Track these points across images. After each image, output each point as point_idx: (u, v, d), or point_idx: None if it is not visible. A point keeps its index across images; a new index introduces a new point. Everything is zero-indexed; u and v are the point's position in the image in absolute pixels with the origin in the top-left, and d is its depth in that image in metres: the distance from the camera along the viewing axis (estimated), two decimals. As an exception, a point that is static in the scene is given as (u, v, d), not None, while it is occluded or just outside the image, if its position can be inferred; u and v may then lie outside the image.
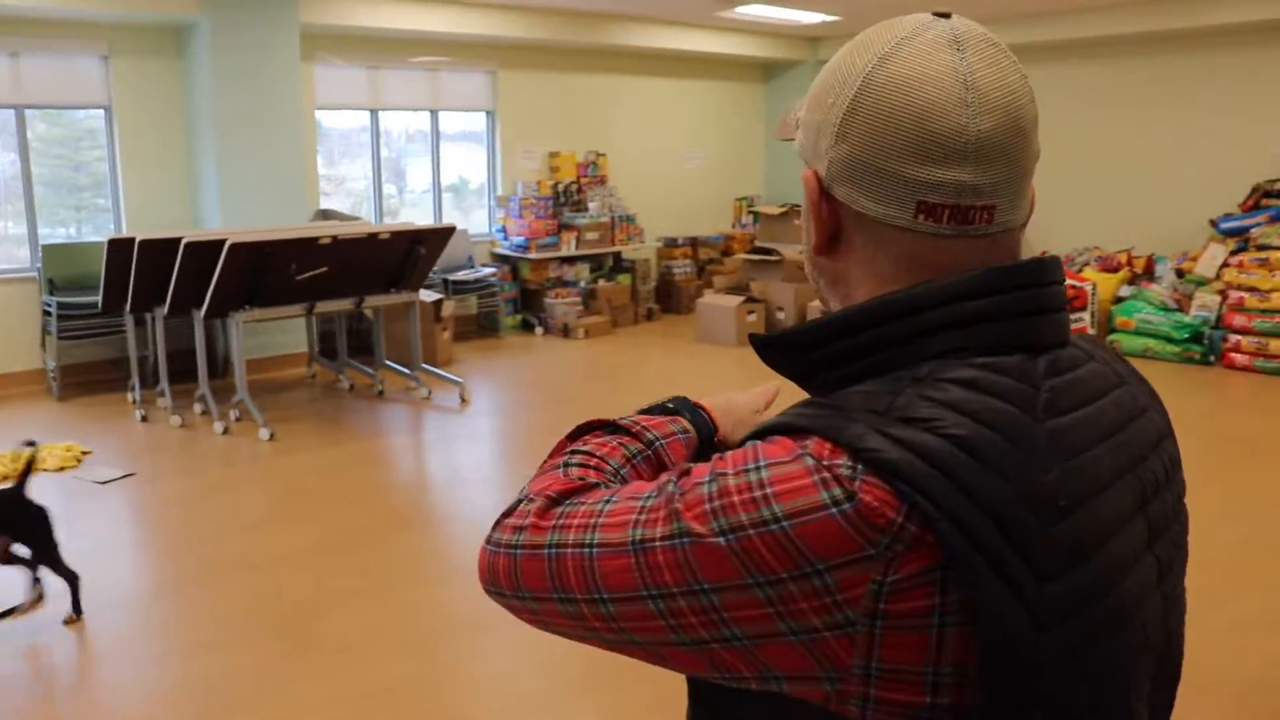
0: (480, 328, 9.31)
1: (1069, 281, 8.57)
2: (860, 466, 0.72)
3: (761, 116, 11.69)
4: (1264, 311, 7.52)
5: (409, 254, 6.67)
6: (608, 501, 0.81)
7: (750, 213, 11.32)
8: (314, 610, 3.83)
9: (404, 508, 4.94)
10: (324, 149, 8.56)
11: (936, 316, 0.80)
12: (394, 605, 3.87)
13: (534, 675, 3.38)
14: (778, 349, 0.90)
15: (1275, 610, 3.77)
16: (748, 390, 1.17)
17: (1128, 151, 9.38)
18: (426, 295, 7.83)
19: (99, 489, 5.18)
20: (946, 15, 0.83)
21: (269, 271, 6.01)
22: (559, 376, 7.72)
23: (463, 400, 6.85)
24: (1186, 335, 7.84)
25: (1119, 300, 8.44)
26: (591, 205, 9.70)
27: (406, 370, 7.05)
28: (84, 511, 4.86)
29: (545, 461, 0.95)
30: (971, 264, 0.81)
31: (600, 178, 9.95)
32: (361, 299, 6.65)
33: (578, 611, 0.80)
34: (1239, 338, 7.62)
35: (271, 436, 5.98)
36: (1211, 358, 7.80)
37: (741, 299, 8.89)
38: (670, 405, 1.07)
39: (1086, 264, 9.12)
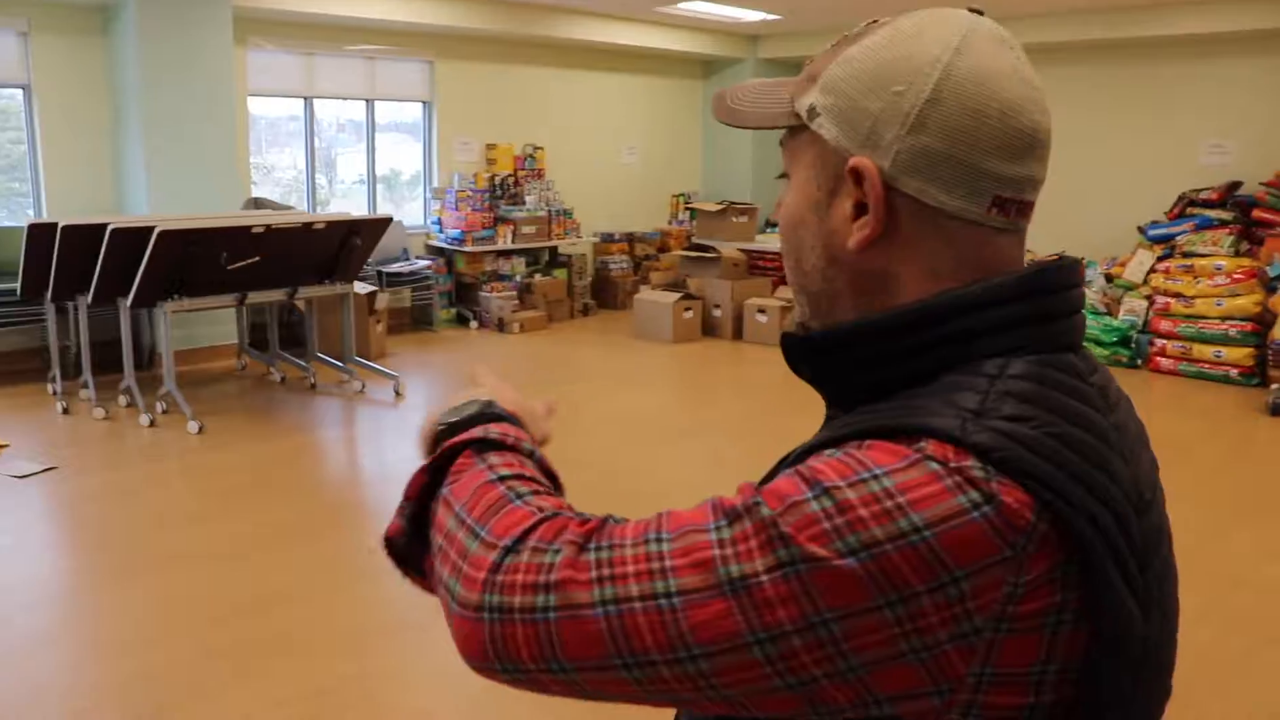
0: (414, 321, 9.17)
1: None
2: (991, 468, 0.69)
3: (700, 113, 11.68)
4: (1188, 317, 7.69)
5: (344, 245, 6.53)
6: (659, 539, 0.71)
7: (687, 209, 11.31)
8: (247, 609, 3.72)
9: (338, 503, 4.83)
10: (251, 137, 8.34)
11: (1000, 314, 0.79)
12: (330, 603, 3.77)
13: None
14: (820, 349, 0.86)
15: (1201, 610, 3.84)
16: (517, 392, 1.05)
17: (1061, 158, 9.54)
18: (361, 287, 7.68)
19: (17, 484, 4.98)
20: (979, 11, 0.85)
21: (199, 260, 5.83)
22: (495, 371, 7.61)
23: (397, 394, 6.73)
24: (1115, 339, 7.99)
25: (1050, 303, 8.56)
26: (528, 199, 9.61)
27: (340, 363, 6.90)
28: (1, 507, 4.67)
29: (438, 497, 0.81)
30: (1012, 260, 0.83)
31: (538, 171, 9.87)
32: (294, 290, 6.49)
33: (652, 675, 0.69)
34: (1164, 342, 7.79)
35: (200, 430, 5.81)
36: (1139, 361, 7.97)
37: (678, 296, 8.87)
38: (485, 408, 0.93)
39: (1018, 266, 9.24)
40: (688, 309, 8.90)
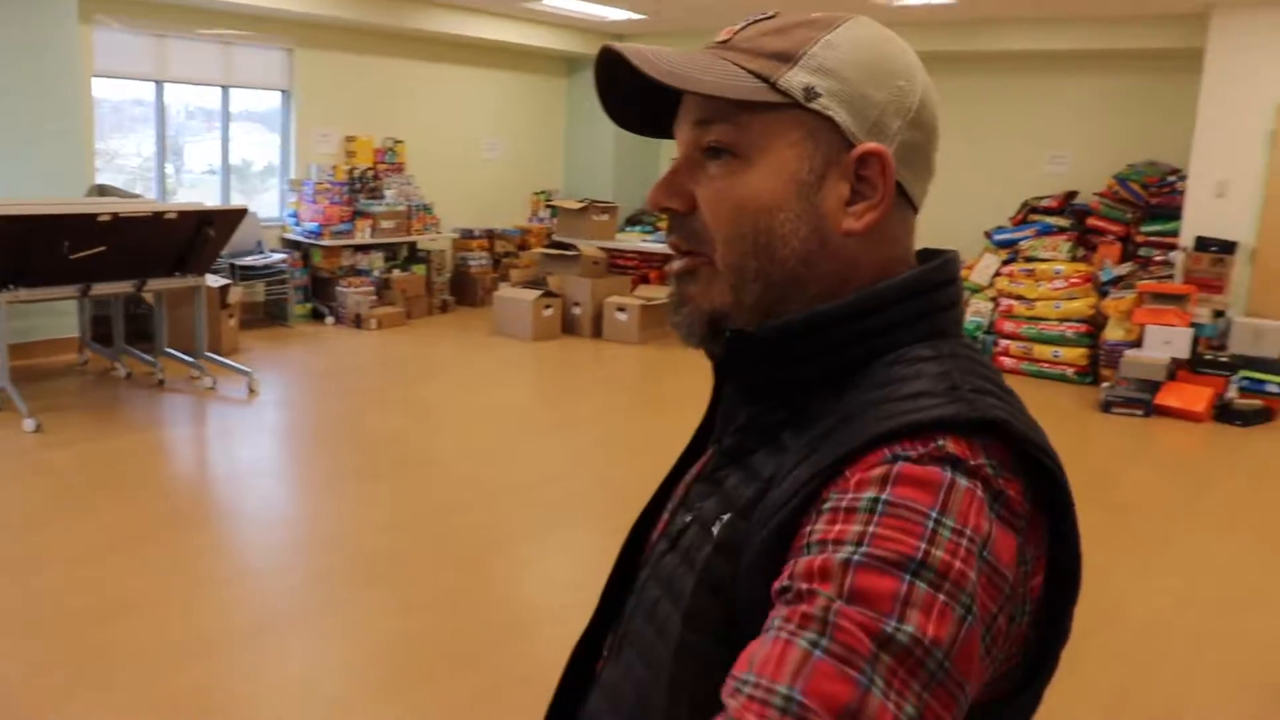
0: (268, 316, 8.94)
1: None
2: (996, 460, 0.74)
3: (563, 111, 11.71)
4: (1030, 319, 8.14)
5: (196, 236, 6.34)
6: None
7: (548, 207, 11.33)
8: (93, 616, 3.60)
9: (188, 504, 4.70)
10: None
11: (922, 303, 0.85)
12: (181, 608, 3.68)
13: (339, 677, 3.29)
14: (774, 342, 0.84)
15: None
16: None
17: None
18: (213, 280, 7.47)
19: None
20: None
21: (38, 249, 5.59)
22: (352, 367, 7.52)
23: (251, 391, 6.57)
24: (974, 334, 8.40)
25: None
26: (388, 193, 9.49)
27: (190, 359, 6.70)
28: None
29: None
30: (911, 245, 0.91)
31: (398, 165, 9.75)
32: (143, 282, 6.28)
33: None
34: (1008, 342, 8.24)
35: (38, 428, 5.57)
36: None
37: (539, 293, 8.90)
38: None
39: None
40: (548, 306, 8.94)
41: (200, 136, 8.90)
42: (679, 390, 7.37)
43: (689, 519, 0.90)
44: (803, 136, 0.83)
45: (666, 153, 11.76)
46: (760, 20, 0.88)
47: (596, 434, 6.19)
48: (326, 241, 8.90)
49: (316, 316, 9.12)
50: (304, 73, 9.08)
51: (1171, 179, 8.46)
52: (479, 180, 10.84)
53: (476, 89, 10.69)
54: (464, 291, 10.32)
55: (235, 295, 7.82)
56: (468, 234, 10.46)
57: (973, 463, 0.72)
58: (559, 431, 6.18)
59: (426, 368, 7.62)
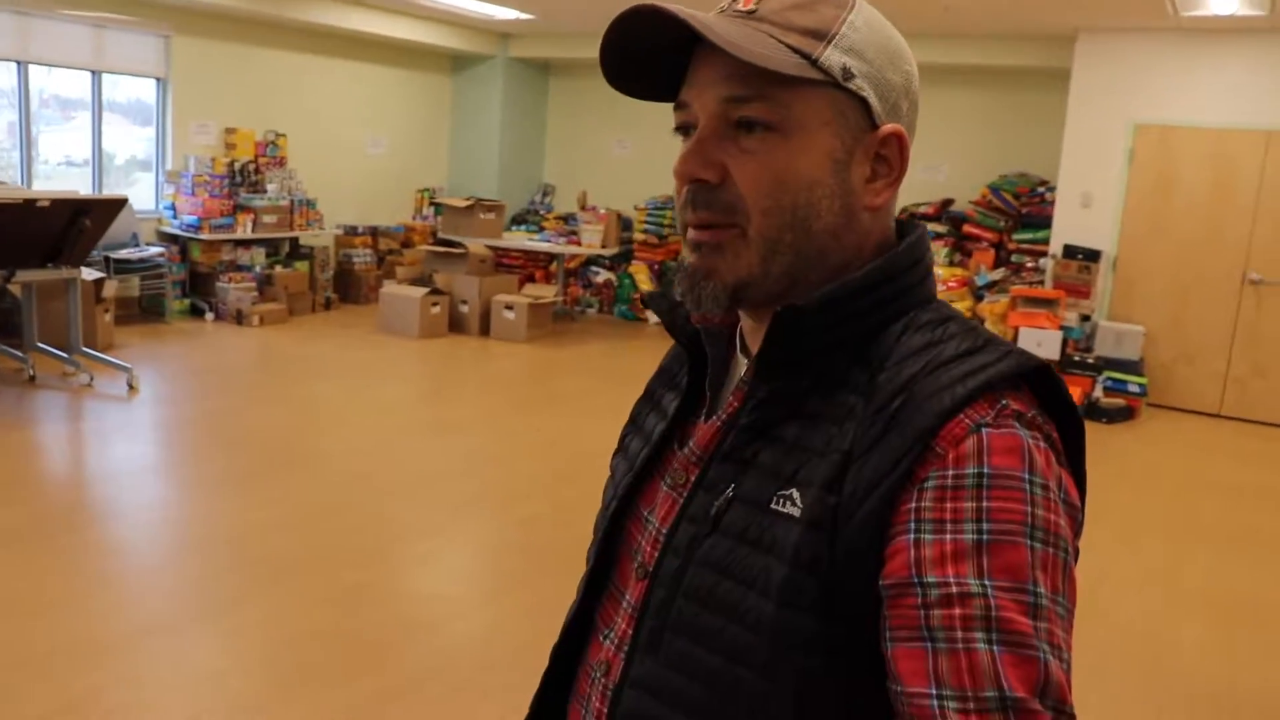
0: (144, 311, 8.63)
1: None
2: (1038, 407, 0.84)
3: (448, 108, 11.61)
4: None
5: (70, 226, 6.09)
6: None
7: (433, 205, 11.22)
8: (-25, 618, 3.44)
9: (65, 505, 4.52)
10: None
11: (926, 263, 0.94)
12: (64, 613, 3.54)
13: (244, 676, 3.21)
14: (824, 311, 0.88)
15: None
16: None
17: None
18: (87, 273, 7.18)
19: None
20: None
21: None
22: (236, 365, 7.32)
23: (131, 388, 6.33)
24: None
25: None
26: (270, 187, 9.26)
27: (64, 354, 6.43)
28: None
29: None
30: None
31: (280, 159, 9.52)
32: (11, 273, 6.00)
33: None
34: (883, 347, 8.49)
35: (-100, 424, 5.29)
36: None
37: (426, 290, 8.81)
38: None
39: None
40: (435, 304, 8.85)
41: (56, 125, 8.51)
42: (567, 389, 7.39)
43: (724, 501, 0.89)
44: (835, 115, 0.87)
45: (551, 154, 11.78)
46: None
47: (487, 431, 6.17)
48: (206, 236, 8.63)
49: (196, 313, 8.83)
50: (182, 61, 8.79)
51: (1041, 189, 8.86)
52: (363, 176, 10.66)
53: (361, 84, 10.52)
54: (347, 289, 10.13)
55: (110, 289, 7.54)
56: (351, 230, 10.28)
57: (1029, 415, 0.82)
58: (450, 429, 6.14)
59: (312, 365, 7.47)
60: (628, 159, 11.28)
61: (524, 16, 9.64)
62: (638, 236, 10.75)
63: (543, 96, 11.80)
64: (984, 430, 0.79)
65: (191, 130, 8.95)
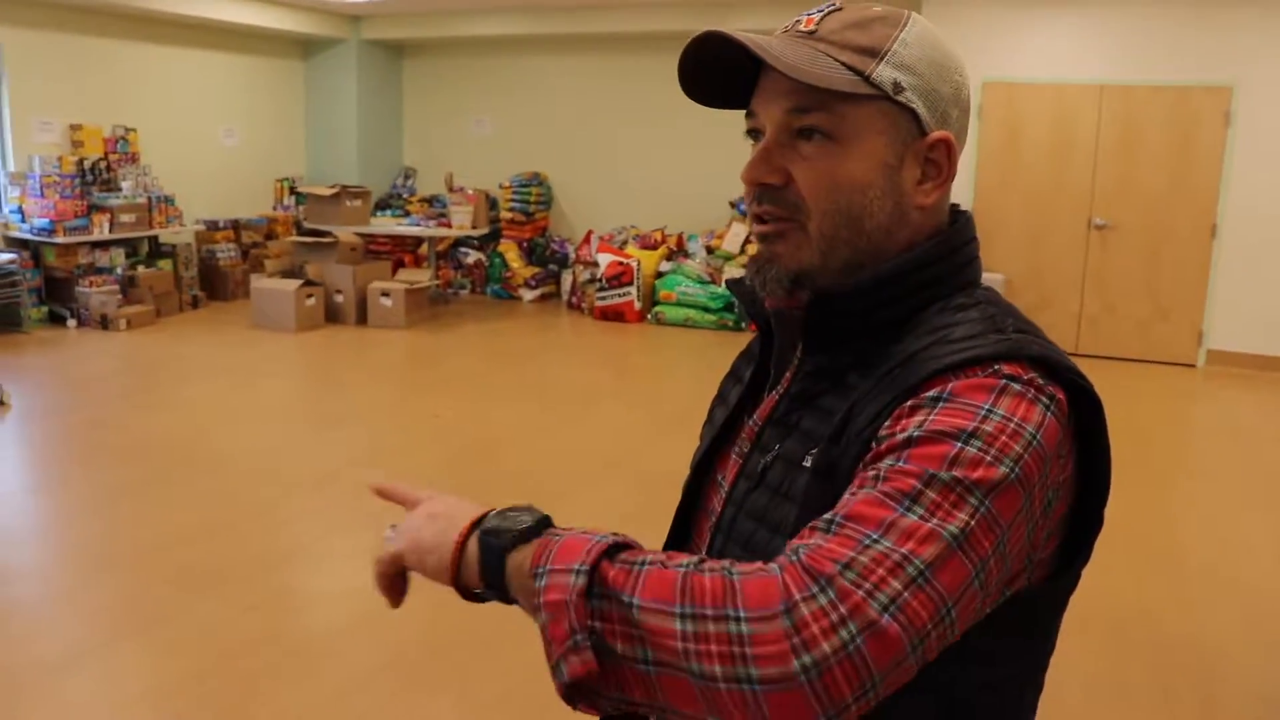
0: (-3, 322, 8.23)
1: (617, 259, 9.27)
2: (1044, 375, 0.89)
3: (302, 95, 11.32)
4: (778, 286, 8.65)
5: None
6: (876, 539, 0.78)
7: (294, 194, 10.96)
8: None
9: (-35, 530, 4.34)
10: None
11: (969, 250, 1.03)
12: (-8, 639, 3.43)
13: (186, 689, 3.17)
14: (854, 297, 0.98)
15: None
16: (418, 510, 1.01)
17: (659, 136, 10.26)
18: (-63, 286, 6.81)
19: None
20: None
21: None
22: (110, 371, 7.07)
23: (2, 404, 6.06)
24: (720, 305, 8.82)
25: (660, 275, 9.28)
26: (125, 185, 8.90)
27: (-76, 373, 6.11)
28: None
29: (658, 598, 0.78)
30: None
31: (132, 155, 9.15)
32: None
33: (924, 645, 0.77)
34: (762, 308, 8.73)
35: None
36: (743, 324, 8.83)
37: (300, 282, 8.64)
38: (535, 516, 0.90)
39: (626, 242, 9.89)
40: (310, 296, 8.69)
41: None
42: (456, 371, 7.39)
43: (770, 459, 1.02)
44: (888, 125, 0.97)
45: (410, 136, 11.62)
46: (833, 11, 1.00)
47: (384, 420, 6.14)
48: (60, 239, 8.25)
49: (56, 320, 8.45)
50: (15, 55, 8.34)
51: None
52: (219, 169, 10.33)
53: (211, 73, 10.17)
54: (214, 285, 9.83)
55: (-37, 302, 7.17)
56: (212, 225, 9.98)
57: (1025, 376, 0.88)
58: (346, 420, 6.08)
59: (191, 366, 7.27)
60: (487, 138, 11.23)
61: (377, -2, 9.48)
62: (505, 215, 10.73)
63: (397, 79, 11.62)
64: (963, 379, 0.88)
65: (32, 128, 8.53)
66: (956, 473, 0.81)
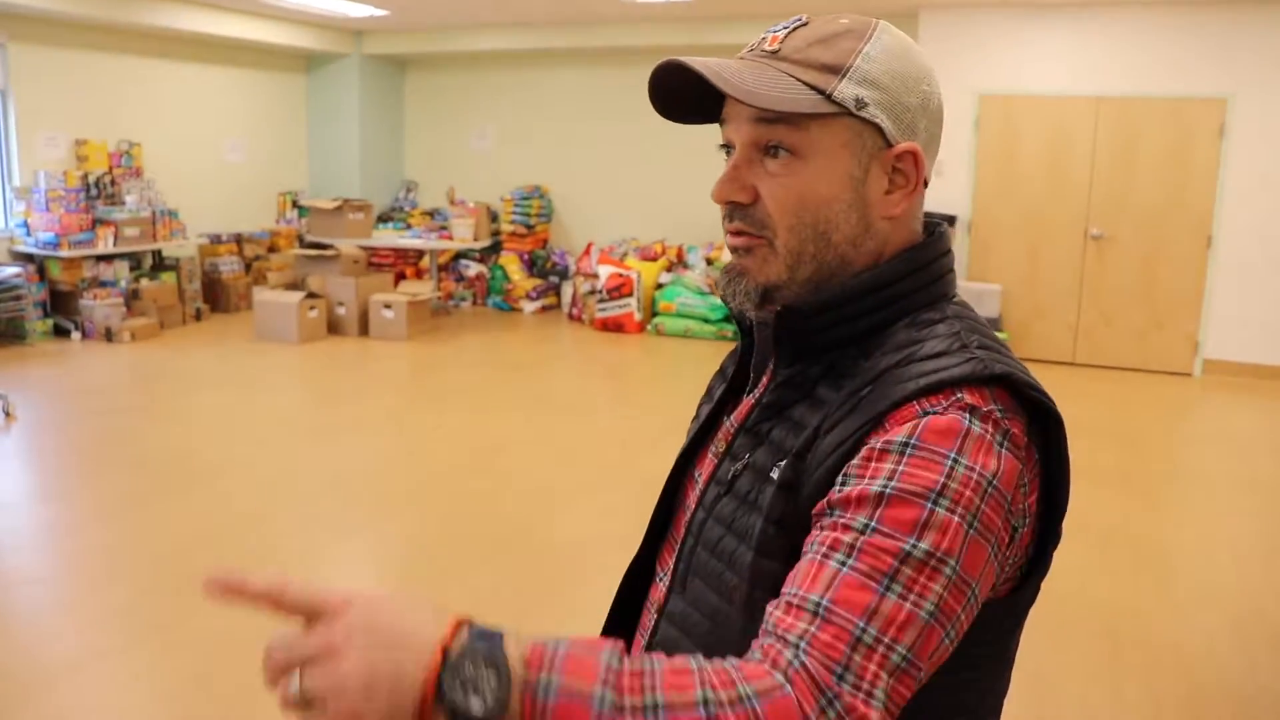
0: (2, 335, 8.27)
1: (617, 271, 9.34)
2: (1002, 408, 0.90)
3: (304, 109, 11.41)
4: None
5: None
6: (862, 633, 0.80)
7: (297, 207, 11.04)
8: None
9: (-27, 538, 4.40)
10: None
11: (940, 265, 1.04)
12: None
13: (201, 691, 3.22)
14: (822, 310, 0.99)
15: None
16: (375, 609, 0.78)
17: (659, 149, 10.33)
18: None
19: None
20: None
21: None
22: (115, 383, 7.13)
23: (7, 415, 6.12)
24: (720, 316, 8.88)
25: (660, 287, 9.35)
26: (129, 199, 8.97)
27: (-68, 385, 6.16)
28: None
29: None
30: None
31: (136, 169, 9.23)
32: None
33: (914, 689, 0.83)
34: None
35: None
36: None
37: (303, 295, 8.70)
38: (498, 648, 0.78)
39: (626, 254, 9.96)
40: (312, 308, 8.76)
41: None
42: (458, 383, 7.44)
43: (739, 467, 1.04)
44: (851, 138, 0.97)
45: (411, 150, 11.70)
46: (799, 28, 1.00)
47: (388, 431, 6.19)
48: (65, 252, 8.32)
49: (60, 333, 8.51)
50: (22, 71, 8.43)
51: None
52: (223, 182, 10.41)
53: (215, 88, 10.25)
54: (217, 298, 9.91)
55: (-31, 314, 7.23)
56: (215, 239, 10.05)
57: (985, 409, 0.88)
58: (350, 431, 6.14)
59: (196, 378, 7.33)
60: (488, 151, 11.31)
61: (378, 13, 9.56)
62: (505, 228, 10.81)
63: (399, 93, 11.71)
64: (929, 415, 0.88)
65: (39, 143, 8.60)
66: (927, 544, 0.83)
